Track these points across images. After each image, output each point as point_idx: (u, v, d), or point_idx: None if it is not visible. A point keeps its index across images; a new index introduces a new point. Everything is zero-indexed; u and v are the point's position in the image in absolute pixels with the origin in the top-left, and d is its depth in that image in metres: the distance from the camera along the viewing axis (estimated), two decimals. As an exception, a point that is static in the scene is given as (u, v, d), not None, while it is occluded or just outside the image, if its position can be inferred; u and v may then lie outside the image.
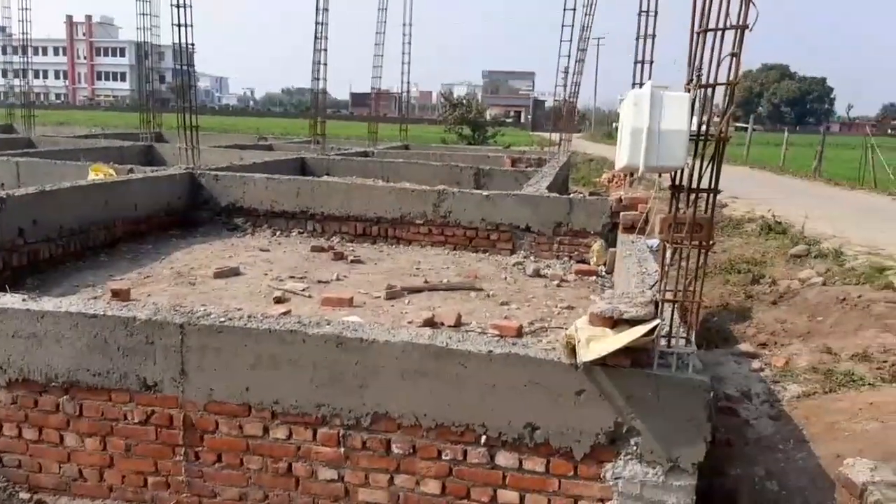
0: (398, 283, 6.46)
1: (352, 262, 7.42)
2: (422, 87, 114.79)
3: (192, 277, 6.50)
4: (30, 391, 4.07)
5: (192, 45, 9.61)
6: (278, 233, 8.60)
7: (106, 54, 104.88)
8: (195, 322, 3.85)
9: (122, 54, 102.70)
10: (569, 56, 17.47)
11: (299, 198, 8.63)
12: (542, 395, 3.45)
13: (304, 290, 6.21)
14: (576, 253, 8.02)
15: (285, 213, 8.69)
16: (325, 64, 15.46)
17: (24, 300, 4.15)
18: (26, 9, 19.81)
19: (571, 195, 8.98)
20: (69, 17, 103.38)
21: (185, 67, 9.74)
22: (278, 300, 5.82)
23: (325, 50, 15.50)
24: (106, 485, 4.06)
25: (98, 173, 8.81)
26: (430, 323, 5.26)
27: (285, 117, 73.45)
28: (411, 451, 3.66)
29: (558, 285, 6.89)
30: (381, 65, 19.13)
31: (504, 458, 3.57)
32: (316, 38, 15.45)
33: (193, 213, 8.73)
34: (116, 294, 5.49)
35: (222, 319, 3.87)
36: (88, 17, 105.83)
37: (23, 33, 20.39)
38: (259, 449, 3.84)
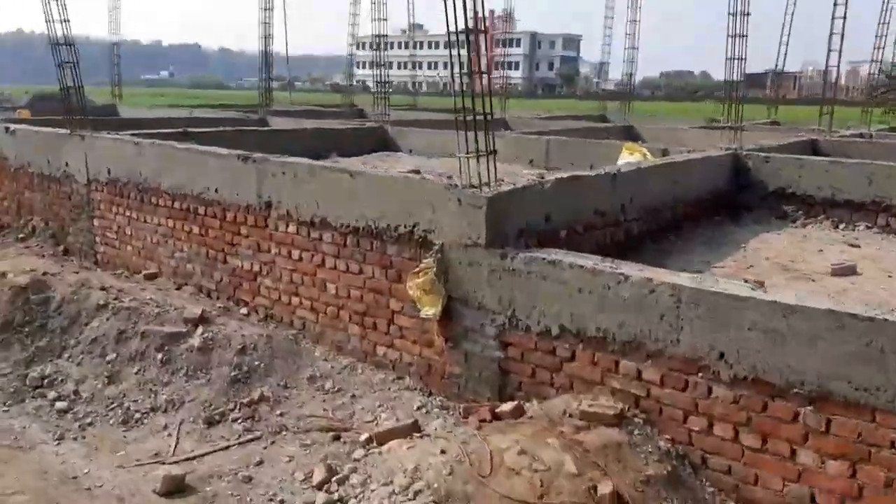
0: None
1: None
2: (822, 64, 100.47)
3: (798, 273, 5.70)
4: (759, 393, 3.61)
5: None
6: (841, 225, 7.38)
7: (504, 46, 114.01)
8: None
9: (518, 45, 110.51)
10: None
11: (872, 186, 7.28)
12: None
13: (971, 302, 4.93)
14: None
15: (849, 203, 7.41)
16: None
17: (752, 289, 3.70)
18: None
19: None
20: (475, 13, 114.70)
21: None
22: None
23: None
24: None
25: (633, 153, 8.60)
26: None
27: (662, 101, 69.98)
28: None
29: None
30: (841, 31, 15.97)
31: None
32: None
33: (735, 196, 8.00)
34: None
35: None
36: (492, 12, 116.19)
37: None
38: None
